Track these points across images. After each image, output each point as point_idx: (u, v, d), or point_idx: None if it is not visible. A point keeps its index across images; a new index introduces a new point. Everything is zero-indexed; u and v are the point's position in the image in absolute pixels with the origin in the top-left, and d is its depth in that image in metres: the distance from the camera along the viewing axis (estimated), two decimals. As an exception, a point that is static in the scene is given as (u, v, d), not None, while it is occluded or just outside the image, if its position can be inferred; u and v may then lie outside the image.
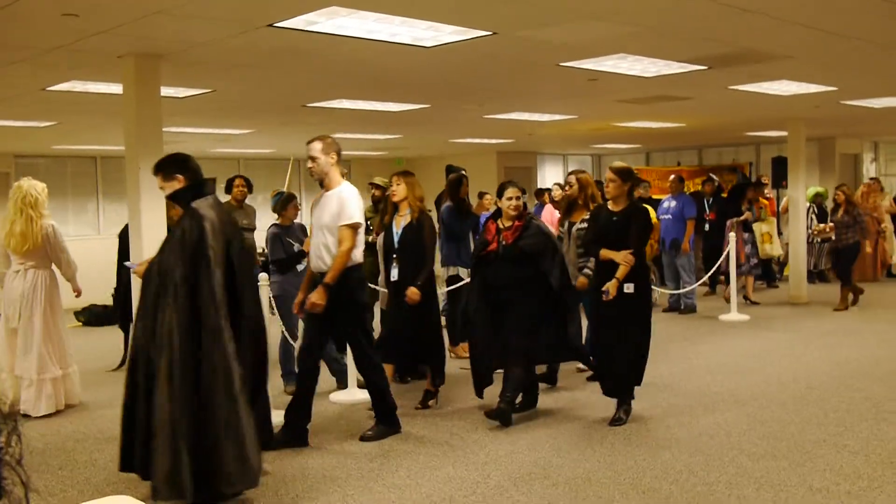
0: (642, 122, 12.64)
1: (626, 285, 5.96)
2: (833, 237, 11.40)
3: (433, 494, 4.81)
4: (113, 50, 6.08)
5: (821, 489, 4.71)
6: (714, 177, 14.11)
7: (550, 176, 19.06)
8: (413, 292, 6.47)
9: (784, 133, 13.48)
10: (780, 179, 14.24)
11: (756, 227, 12.28)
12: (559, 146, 18.47)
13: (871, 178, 15.34)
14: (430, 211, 7.71)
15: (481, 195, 11.03)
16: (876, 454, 5.29)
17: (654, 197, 13.44)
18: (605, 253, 6.10)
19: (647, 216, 6.31)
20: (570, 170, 20.39)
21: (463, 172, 9.48)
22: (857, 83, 9.08)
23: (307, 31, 5.66)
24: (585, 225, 6.78)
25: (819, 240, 12.14)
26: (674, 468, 5.14)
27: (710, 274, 12.24)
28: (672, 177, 12.00)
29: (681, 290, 11.35)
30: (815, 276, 14.11)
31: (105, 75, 7.11)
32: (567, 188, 7.43)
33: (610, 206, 6.27)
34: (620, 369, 6.16)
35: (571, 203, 7.38)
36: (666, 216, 11.45)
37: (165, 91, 7.59)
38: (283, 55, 6.61)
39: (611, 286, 5.96)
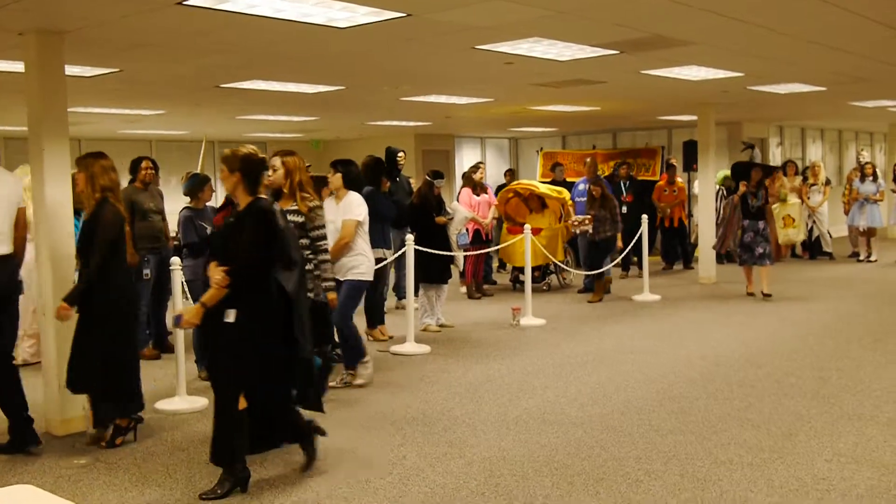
0: (558, 106, 12.79)
1: (227, 312, 4.53)
2: (590, 230, 10.99)
3: (349, 477, 4.81)
4: (13, 26, 5.84)
5: (725, 462, 4.89)
6: (629, 162, 14.42)
7: (468, 159, 19.15)
8: (62, 308, 5.17)
9: (695, 117, 13.82)
10: (690, 163, 14.61)
11: (777, 209, 11.66)
12: (477, 129, 18.57)
13: (788, 161, 15.85)
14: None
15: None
16: (776, 427, 5.51)
17: (569, 179, 13.67)
18: (210, 270, 4.65)
19: (259, 220, 4.58)
20: (482, 156, 20.61)
21: (401, 154, 9.49)
22: (762, 69, 9.35)
23: (217, 9, 5.54)
24: (294, 218, 5.67)
25: (577, 231, 11.21)
26: (586, 444, 5.26)
27: (622, 255, 12.50)
28: (588, 159, 12.19)
29: (595, 272, 11.55)
30: (723, 256, 14.53)
31: (5, 52, 6.84)
32: (270, 173, 5.88)
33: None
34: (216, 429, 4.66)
35: (276, 192, 5.87)
36: (582, 199, 11.64)
37: (70, 70, 7.34)
38: (193, 34, 6.47)
39: (190, 312, 4.63)
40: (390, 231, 8.65)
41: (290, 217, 5.53)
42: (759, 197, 10.75)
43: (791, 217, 11.99)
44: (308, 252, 5.75)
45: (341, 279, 6.62)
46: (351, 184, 6.84)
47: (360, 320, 8.89)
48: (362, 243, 6.78)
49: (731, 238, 10.93)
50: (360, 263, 6.74)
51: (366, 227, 6.83)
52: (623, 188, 13.31)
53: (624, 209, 12.95)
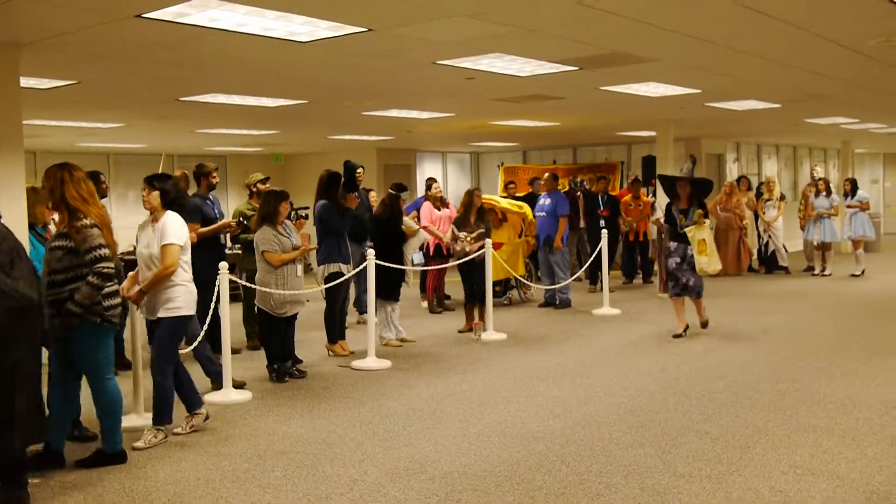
0: (519, 121, 12.88)
1: None
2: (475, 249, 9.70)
3: (310, 494, 4.77)
4: (-33, 37, 5.77)
5: (684, 474, 4.92)
6: (582, 179, 14.51)
7: (430, 174, 19.16)
8: None
9: (654, 133, 14.00)
10: (649, 178, 14.78)
11: (689, 233, 9.21)
12: (438, 144, 18.62)
13: (741, 177, 16.09)
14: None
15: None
16: (735, 440, 5.56)
17: (518, 195, 13.74)
18: None
19: None
20: (444, 170, 20.67)
21: (360, 169, 9.47)
22: (719, 86, 9.51)
23: (177, 22, 5.51)
24: (62, 243, 5.05)
25: (468, 250, 9.71)
26: (547, 459, 5.26)
27: (584, 267, 12.59)
28: (546, 175, 12.27)
29: (555, 286, 11.62)
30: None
31: (-41, 64, 6.73)
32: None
33: None
34: None
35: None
36: (541, 213, 11.71)
37: (26, 82, 7.27)
38: (152, 47, 6.42)
39: None
40: (348, 245, 8.61)
41: (58, 242, 5.03)
42: (690, 216, 9.15)
43: (704, 242, 9.24)
44: (77, 283, 5.01)
45: (152, 318, 5.78)
46: (170, 203, 5.81)
47: (319, 335, 8.88)
48: (182, 272, 5.76)
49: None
50: (177, 296, 5.71)
51: (188, 255, 5.84)
52: (601, 202, 13.40)
53: (601, 223, 13.05)
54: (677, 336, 9.23)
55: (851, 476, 4.84)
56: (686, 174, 9.40)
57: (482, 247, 9.70)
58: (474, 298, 9.89)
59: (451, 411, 6.45)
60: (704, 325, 9.50)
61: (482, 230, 9.93)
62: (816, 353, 8.31)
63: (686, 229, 9.15)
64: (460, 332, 9.90)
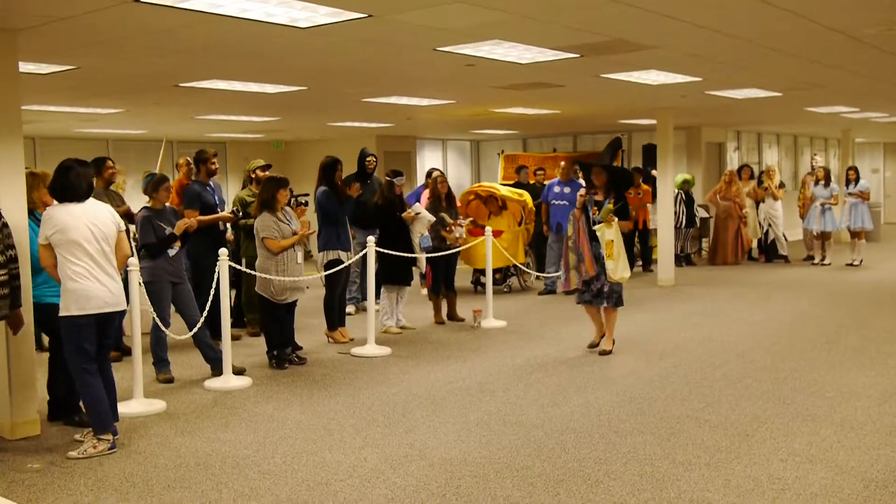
0: (519, 109, 12.84)
1: None
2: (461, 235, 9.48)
3: (309, 480, 4.79)
4: (-34, 22, 5.73)
5: (683, 462, 4.94)
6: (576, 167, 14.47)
7: (430, 161, 19.17)
8: None
9: (654, 121, 13.96)
10: (649, 166, 14.77)
11: (598, 231, 7.85)
12: (438, 131, 18.58)
13: (744, 166, 16.07)
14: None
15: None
16: (734, 427, 5.58)
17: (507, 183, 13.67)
18: None
19: None
20: (444, 158, 20.62)
21: (371, 157, 9.45)
22: (720, 74, 9.47)
23: (177, 7, 5.48)
24: None
25: (459, 237, 9.59)
26: (546, 446, 5.28)
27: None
28: (563, 163, 12.20)
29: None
30: (682, 259, 14.76)
31: (-43, 49, 6.70)
32: None
33: None
34: None
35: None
36: (560, 201, 11.66)
37: (24, 67, 7.23)
38: (152, 32, 6.38)
39: None
40: (348, 232, 8.61)
41: None
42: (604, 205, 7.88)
43: (612, 244, 7.74)
44: None
45: None
46: (56, 193, 5.41)
47: (319, 322, 8.88)
48: (70, 270, 5.25)
49: (580, 270, 7.97)
50: (63, 295, 5.31)
51: (71, 250, 5.25)
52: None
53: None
54: (593, 346, 8.10)
55: (850, 464, 4.85)
56: (604, 155, 8.26)
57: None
58: (443, 289, 9.85)
59: (451, 398, 6.47)
60: (597, 346, 8.05)
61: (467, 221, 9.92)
62: (815, 341, 8.32)
63: (595, 227, 7.86)
64: (437, 322, 9.77)
